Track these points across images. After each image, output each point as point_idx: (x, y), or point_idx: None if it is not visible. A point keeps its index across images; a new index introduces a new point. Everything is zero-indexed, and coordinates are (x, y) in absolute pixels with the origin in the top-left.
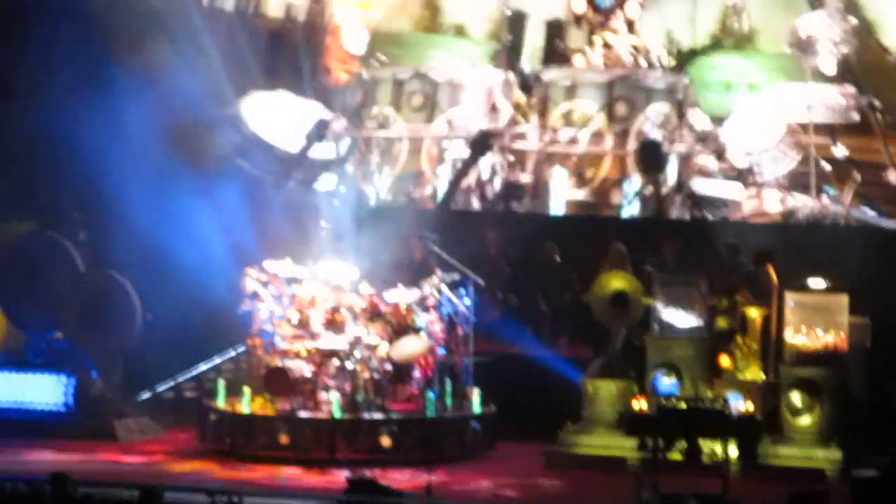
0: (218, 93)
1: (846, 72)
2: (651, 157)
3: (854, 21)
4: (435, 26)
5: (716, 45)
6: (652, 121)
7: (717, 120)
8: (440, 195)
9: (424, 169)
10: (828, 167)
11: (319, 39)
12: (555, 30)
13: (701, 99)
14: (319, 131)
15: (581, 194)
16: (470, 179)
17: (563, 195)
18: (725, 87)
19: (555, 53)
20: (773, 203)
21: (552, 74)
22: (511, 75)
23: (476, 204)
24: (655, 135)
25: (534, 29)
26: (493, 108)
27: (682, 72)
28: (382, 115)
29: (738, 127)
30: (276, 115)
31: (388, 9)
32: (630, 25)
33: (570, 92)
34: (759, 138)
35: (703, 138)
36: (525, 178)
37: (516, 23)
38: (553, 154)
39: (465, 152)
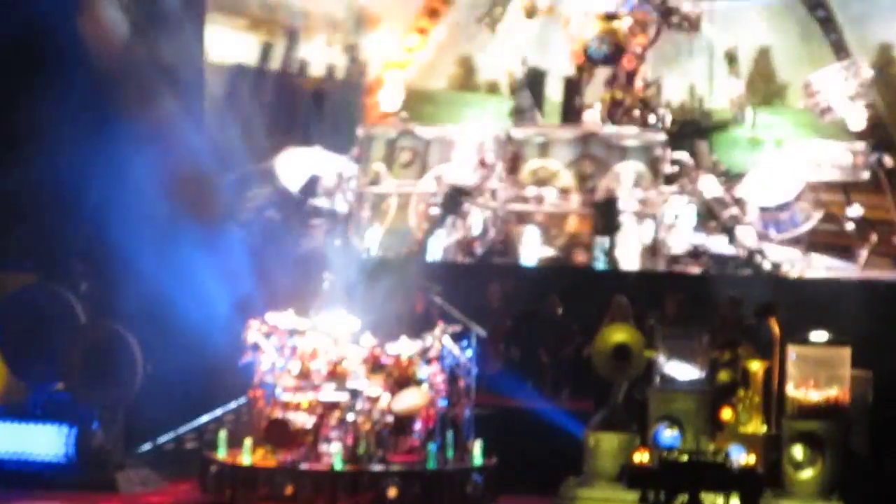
0: (250, 147)
1: (876, 126)
2: (607, 216)
3: (870, 73)
4: (469, 84)
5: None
6: (622, 179)
7: (740, 177)
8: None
9: (412, 225)
10: (850, 226)
11: (358, 98)
12: (572, 86)
13: (727, 156)
14: (311, 187)
15: (549, 252)
16: (459, 234)
17: (533, 252)
18: (752, 143)
19: (572, 110)
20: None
21: (525, 132)
22: (500, 132)
23: (462, 259)
24: (627, 194)
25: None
26: (483, 165)
27: (700, 134)
28: (373, 171)
29: (755, 183)
30: (307, 170)
31: (423, 68)
32: (630, 78)
33: (543, 149)
34: (776, 194)
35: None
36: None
37: (534, 80)
38: (522, 212)
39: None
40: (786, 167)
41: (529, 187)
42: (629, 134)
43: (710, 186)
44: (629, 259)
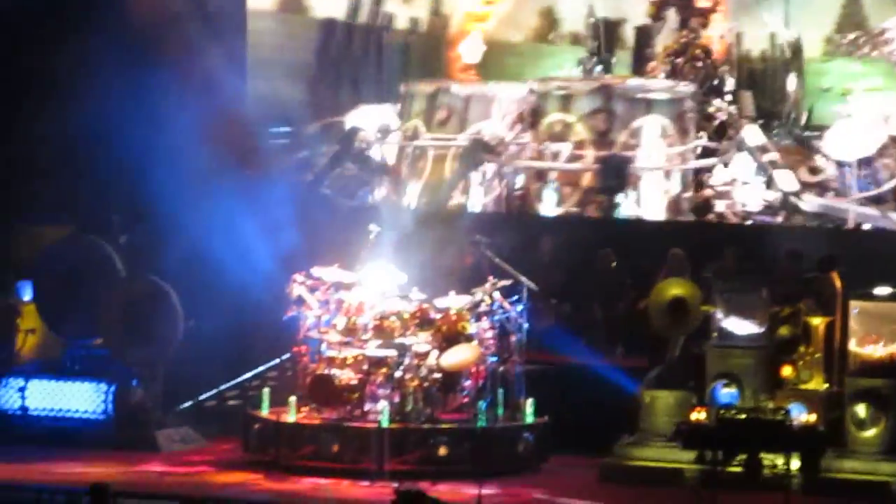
0: (329, 101)
1: None
2: (608, 175)
3: None
4: (549, 36)
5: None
6: (642, 134)
7: (821, 130)
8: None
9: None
10: None
11: (440, 51)
12: (643, 35)
13: (814, 106)
14: (350, 138)
15: (562, 208)
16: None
17: (551, 208)
18: (840, 94)
19: (642, 59)
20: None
21: (547, 85)
22: (536, 86)
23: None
24: (649, 148)
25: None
26: (521, 120)
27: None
28: (413, 126)
29: (836, 136)
30: (380, 124)
31: (503, 20)
32: (702, 21)
33: (564, 103)
34: (857, 148)
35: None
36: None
37: (607, 29)
38: (539, 168)
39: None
40: (868, 120)
41: (547, 142)
42: (657, 87)
43: (752, 135)
44: (654, 214)
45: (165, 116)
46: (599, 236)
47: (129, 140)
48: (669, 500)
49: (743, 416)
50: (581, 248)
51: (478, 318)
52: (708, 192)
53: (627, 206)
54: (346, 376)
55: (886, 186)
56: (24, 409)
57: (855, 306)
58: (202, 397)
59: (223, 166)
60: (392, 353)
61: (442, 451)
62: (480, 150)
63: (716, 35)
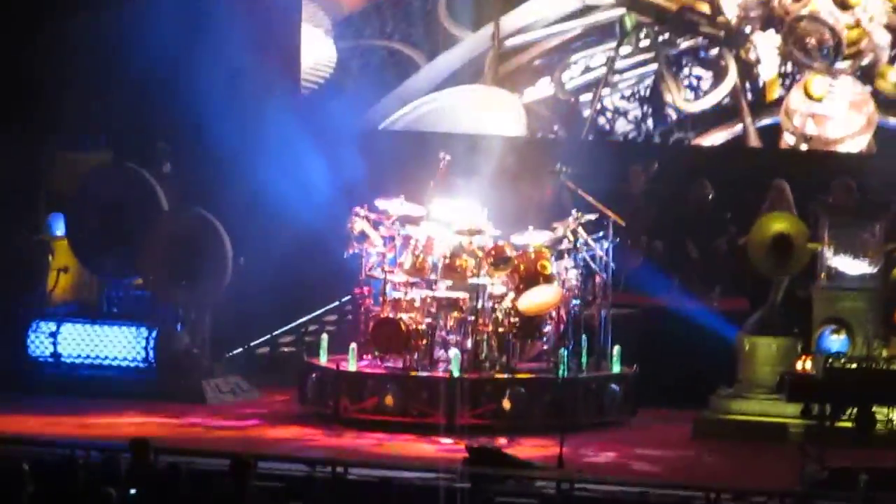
0: None
1: None
2: None
3: None
4: None
5: None
6: None
7: None
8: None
9: None
10: None
11: None
12: None
13: None
14: None
15: None
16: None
17: None
18: None
19: None
20: None
21: None
22: None
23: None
24: None
25: None
26: None
27: None
28: None
29: None
30: None
31: None
32: None
33: None
34: None
35: None
36: None
37: None
38: None
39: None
40: None
41: None
42: None
43: None
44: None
45: (218, 31)
46: (696, 164)
47: (176, 55)
48: (771, 458)
49: (854, 365)
50: (675, 178)
51: (559, 256)
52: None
53: None
54: (413, 320)
55: None
56: (56, 355)
57: None
58: (254, 343)
59: (278, 83)
60: (464, 294)
61: (517, 404)
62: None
63: None
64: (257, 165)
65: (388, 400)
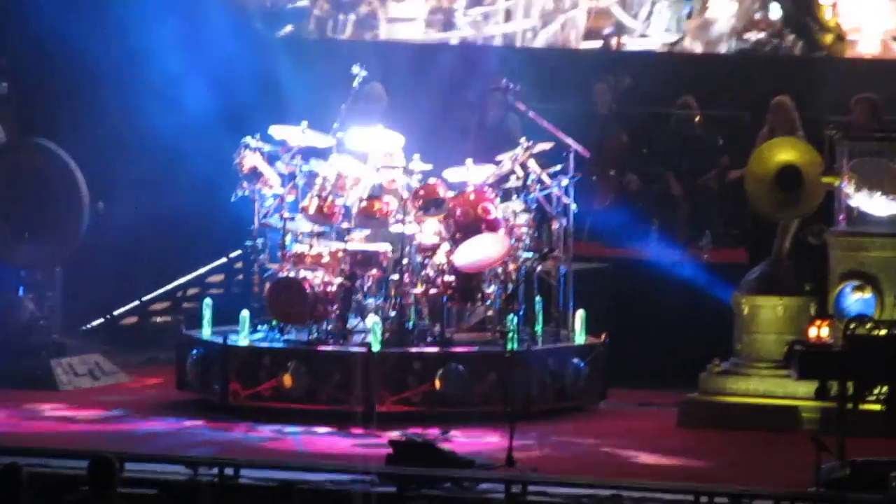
0: None
1: None
2: None
3: None
4: None
5: None
6: None
7: None
8: None
9: None
10: None
11: None
12: None
13: None
14: None
15: None
16: None
17: None
18: None
19: None
20: None
21: None
22: None
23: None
24: None
25: None
26: None
27: None
28: None
29: None
30: None
31: None
32: None
33: None
34: None
35: None
36: None
37: None
38: None
39: None
40: None
41: None
42: None
43: None
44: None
45: None
46: (676, 78)
47: None
48: (778, 451)
49: (883, 331)
50: (652, 96)
51: (506, 196)
52: None
53: None
54: (321, 280)
55: None
56: None
57: None
58: (118, 312)
59: None
60: (385, 247)
61: (451, 384)
62: None
63: None
64: (122, 86)
65: (289, 382)
